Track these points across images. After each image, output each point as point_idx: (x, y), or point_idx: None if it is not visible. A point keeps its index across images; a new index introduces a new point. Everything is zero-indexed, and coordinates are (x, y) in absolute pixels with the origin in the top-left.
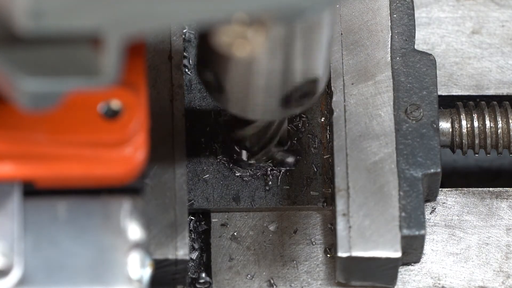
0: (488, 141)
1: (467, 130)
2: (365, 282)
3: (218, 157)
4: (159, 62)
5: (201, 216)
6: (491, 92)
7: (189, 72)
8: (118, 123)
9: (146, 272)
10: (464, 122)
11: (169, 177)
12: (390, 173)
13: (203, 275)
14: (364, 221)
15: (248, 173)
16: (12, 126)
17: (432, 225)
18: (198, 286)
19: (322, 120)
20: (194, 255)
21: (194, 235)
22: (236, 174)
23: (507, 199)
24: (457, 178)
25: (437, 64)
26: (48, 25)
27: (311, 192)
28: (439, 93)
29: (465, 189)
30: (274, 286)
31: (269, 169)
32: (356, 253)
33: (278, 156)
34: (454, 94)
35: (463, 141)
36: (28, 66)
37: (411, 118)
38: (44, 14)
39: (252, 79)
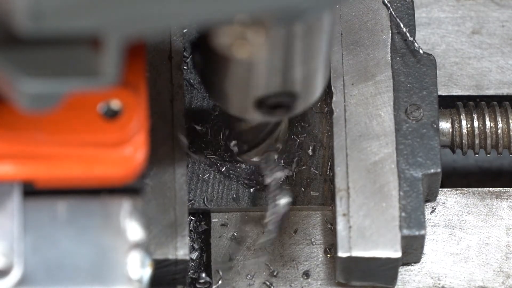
0: (488, 141)
1: (467, 130)
2: (365, 282)
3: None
4: (159, 62)
5: (201, 216)
6: (491, 92)
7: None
8: (118, 123)
9: (146, 272)
10: (464, 122)
11: (169, 177)
12: (390, 173)
13: (203, 275)
14: (364, 221)
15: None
16: (12, 126)
17: (432, 225)
18: (198, 286)
19: (322, 120)
20: (194, 255)
21: (194, 235)
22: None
23: (507, 199)
24: (457, 178)
25: (437, 64)
26: (48, 26)
27: (311, 192)
28: (439, 93)
29: (465, 189)
30: (272, 287)
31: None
32: (356, 253)
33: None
34: (454, 94)
35: (463, 141)
36: (28, 67)
37: (411, 118)
38: (44, 15)
39: (230, 73)
